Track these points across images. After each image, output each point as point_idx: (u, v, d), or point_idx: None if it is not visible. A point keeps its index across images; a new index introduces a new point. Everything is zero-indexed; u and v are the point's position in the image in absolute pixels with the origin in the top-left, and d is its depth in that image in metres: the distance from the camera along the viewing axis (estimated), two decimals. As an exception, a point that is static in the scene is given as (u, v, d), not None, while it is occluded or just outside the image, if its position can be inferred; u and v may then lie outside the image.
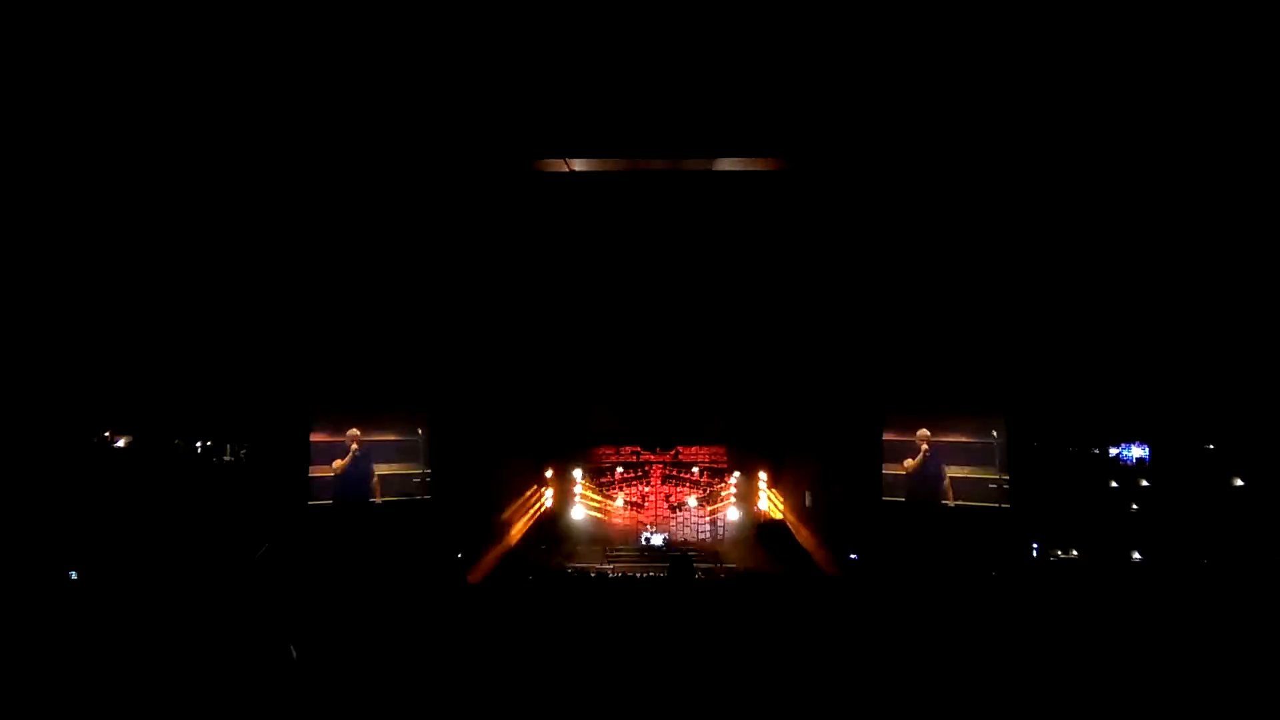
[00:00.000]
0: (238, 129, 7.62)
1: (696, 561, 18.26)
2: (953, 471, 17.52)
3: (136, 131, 7.72)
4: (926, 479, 17.89)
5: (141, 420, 15.76)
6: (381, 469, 18.03)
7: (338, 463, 17.44)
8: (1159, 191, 9.51)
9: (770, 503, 19.91)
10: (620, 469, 20.64)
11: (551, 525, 20.06)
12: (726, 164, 8.70)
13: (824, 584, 15.00)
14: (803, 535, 19.07)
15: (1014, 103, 6.98)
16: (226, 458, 17.20)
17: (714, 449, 20.67)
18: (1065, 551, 16.76)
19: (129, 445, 15.75)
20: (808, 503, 19.09)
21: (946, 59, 6.59)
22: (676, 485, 20.62)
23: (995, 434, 17.06)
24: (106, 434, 15.53)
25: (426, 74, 7.23)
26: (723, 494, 20.35)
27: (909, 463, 18.02)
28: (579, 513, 20.17)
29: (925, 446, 17.89)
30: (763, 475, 20.00)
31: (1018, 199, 10.05)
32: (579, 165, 8.41)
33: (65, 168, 8.42)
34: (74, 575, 12.74)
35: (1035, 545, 16.79)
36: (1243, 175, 9.38)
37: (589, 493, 20.37)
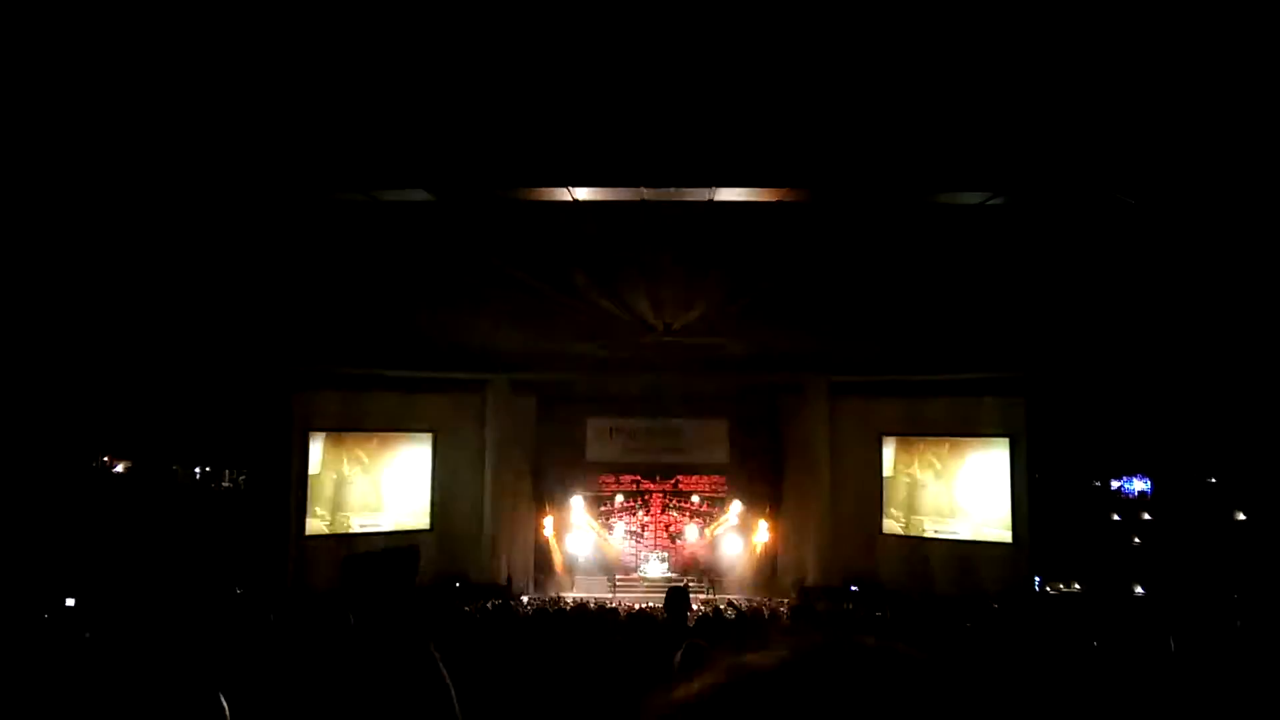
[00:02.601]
0: (231, 165, 7.67)
1: (695, 591, 18.12)
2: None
3: (135, 172, 7.78)
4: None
5: (141, 446, 15.73)
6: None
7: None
8: (1161, 226, 9.54)
9: (771, 533, 19.77)
10: (620, 498, 20.54)
11: (550, 554, 19.93)
12: (726, 194, 8.73)
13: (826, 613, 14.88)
14: (805, 565, 18.96)
15: (1020, 122, 7.02)
16: (225, 484, 17.15)
17: (714, 478, 20.58)
18: (1067, 585, 16.66)
19: (128, 470, 15.72)
20: (807, 532, 18.99)
21: (947, 83, 6.64)
22: (677, 514, 20.52)
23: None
24: (105, 459, 15.50)
25: (434, 99, 7.31)
26: (723, 523, 20.22)
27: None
28: (578, 542, 20.04)
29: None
30: (764, 505, 19.88)
31: (1017, 230, 10.08)
32: (582, 194, 8.44)
33: (62, 205, 8.48)
34: (70, 602, 12.67)
35: (1038, 578, 16.69)
36: (1245, 212, 9.42)
37: (588, 522, 20.25)
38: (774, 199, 8.57)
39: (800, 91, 7.09)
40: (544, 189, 8.41)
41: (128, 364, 14.07)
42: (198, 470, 16.83)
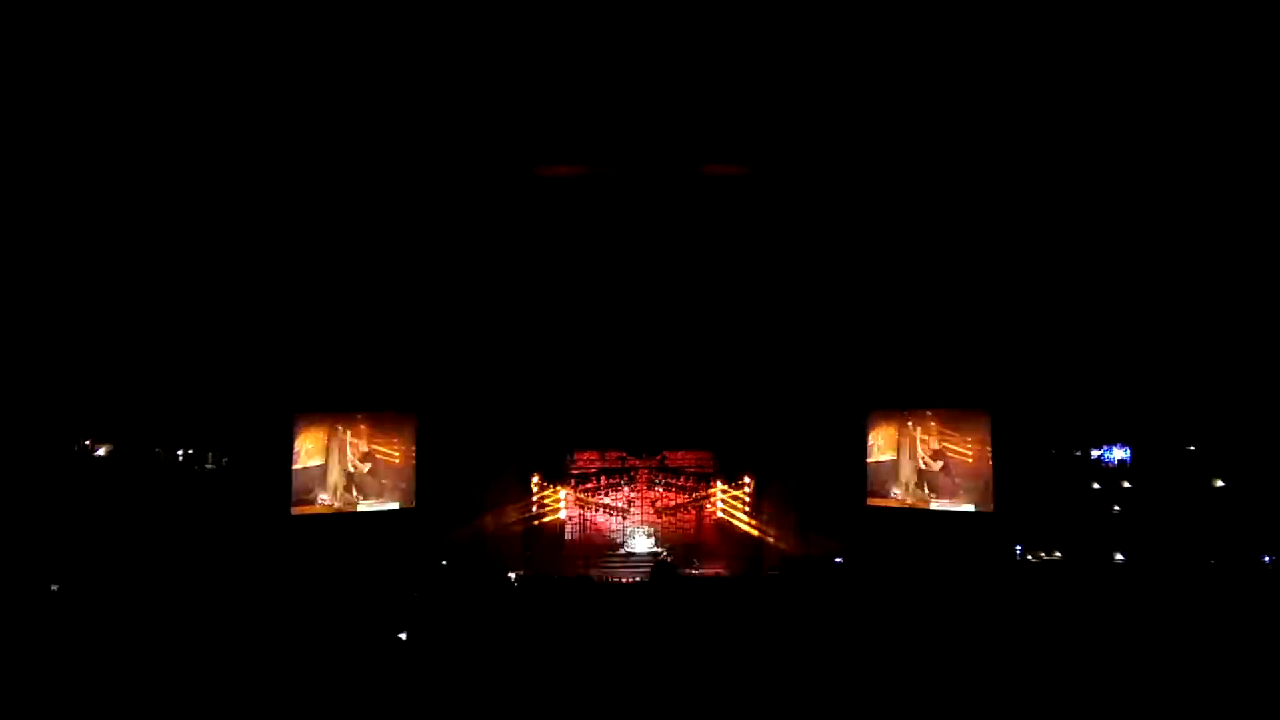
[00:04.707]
0: (229, 137, 7.60)
1: (682, 566, 18.24)
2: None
3: (126, 151, 7.68)
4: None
5: (122, 428, 15.61)
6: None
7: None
8: (1138, 194, 9.61)
9: (756, 507, 19.89)
10: (605, 474, 20.56)
11: (537, 530, 19.98)
12: (711, 170, 8.74)
13: (808, 585, 15.02)
14: (789, 539, 19.10)
15: (999, 106, 7.06)
16: (208, 465, 17.08)
17: (700, 453, 20.62)
18: (1048, 554, 16.87)
19: (110, 454, 15.61)
20: (793, 505, 19.12)
21: (927, 63, 6.65)
22: (663, 490, 20.57)
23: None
24: (87, 442, 15.38)
25: (424, 88, 7.25)
26: (709, 498, 20.33)
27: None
28: (565, 517, 20.11)
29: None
30: (748, 480, 19.96)
31: (1000, 202, 10.13)
32: (567, 171, 8.43)
33: (49, 184, 8.37)
34: (55, 587, 12.61)
35: (1019, 547, 16.90)
36: (1218, 180, 9.50)
37: (575, 497, 20.30)
38: (756, 173, 8.59)
39: (782, 70, 7.08)
40: (533, 166, 8.40)
41: (108, 346, 13.94)
42: (180, 453, 16.74)
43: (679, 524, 20.40)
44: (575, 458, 20.54)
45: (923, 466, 17.94)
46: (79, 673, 5.60)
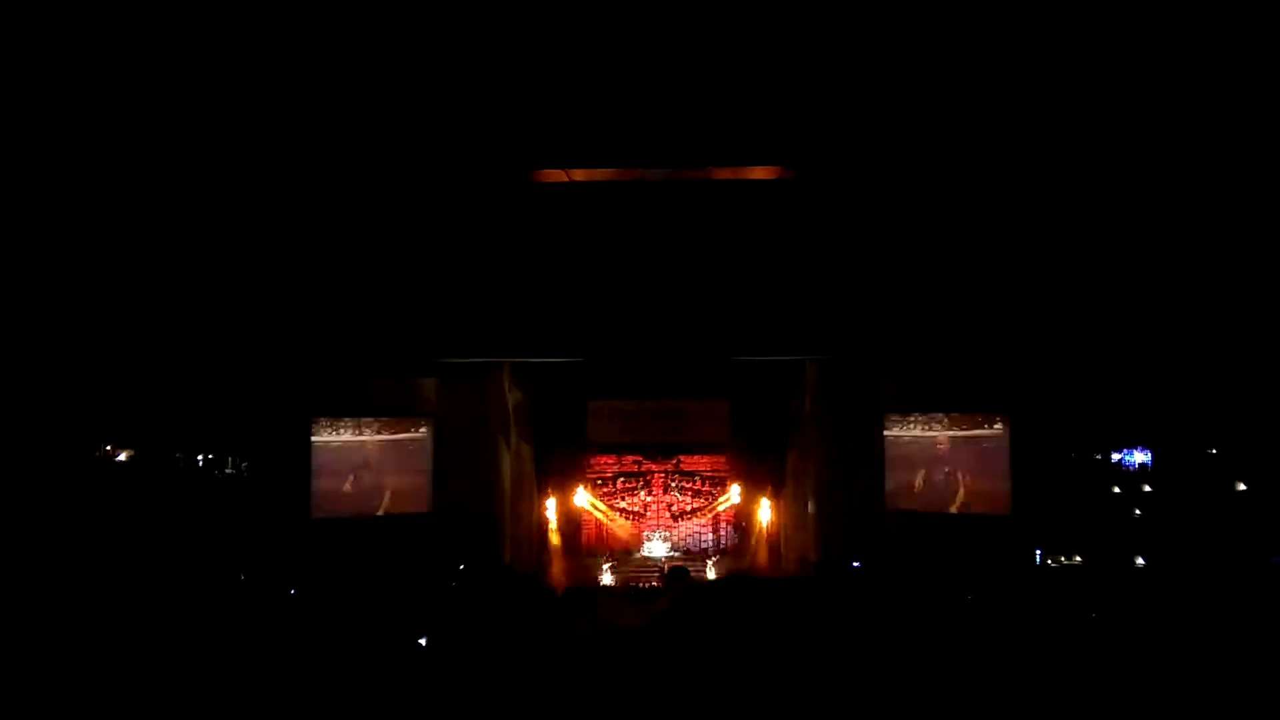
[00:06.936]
0: (232, 142, 7.66)
1: (697, 571, 18.19)
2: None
3: (134, 150, 7.76)
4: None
5: (143, 434, 15.74)
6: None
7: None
8: (1160, 194, 9.54)
9: (773, 512, 19.82)
10: (621, 479, 20.57)
11: (551, 536, 20.00)
12: (726, 173, 8.73)
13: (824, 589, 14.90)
14: (806, 545, 19.01)
15: (1015, 106, 7.01)
16: (228, 470, 17.20)
17: (715, 457, 20.59)
18: (1068, 558, 16.73)
19: (131, 459, 15.74)
20: (810, 510, 19.01)
21: (945, 64, 6.61)
22: (678, 494, 20.55)
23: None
24: (108, 448, 15.53)
25: (425, 84, 7.26)
26: (725, 502, 20.29)
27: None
28: (579, 522, 20.13)
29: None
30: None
31: (1018, 201, 10.07)
32: (580, 175, 8.44)
33: (57, 186, 8.47)
34: (76, 590, 12.70)
35: (1038, 551, 16.76)
36: (1244, 178, 9.40)
37: (588, 502, 20.31)
38: (773, 176, 8.57)
39: (800, 69, 7.05)
40: (541, 171, 8.40)
41: (130, 352, 14.07)
42: (200, 458, 16.87)
43: (694, 529, 20.39)
44: (591, 461, 20.55)
45: (944, 471, 17.80)
46: (99, 678, 5.64)
